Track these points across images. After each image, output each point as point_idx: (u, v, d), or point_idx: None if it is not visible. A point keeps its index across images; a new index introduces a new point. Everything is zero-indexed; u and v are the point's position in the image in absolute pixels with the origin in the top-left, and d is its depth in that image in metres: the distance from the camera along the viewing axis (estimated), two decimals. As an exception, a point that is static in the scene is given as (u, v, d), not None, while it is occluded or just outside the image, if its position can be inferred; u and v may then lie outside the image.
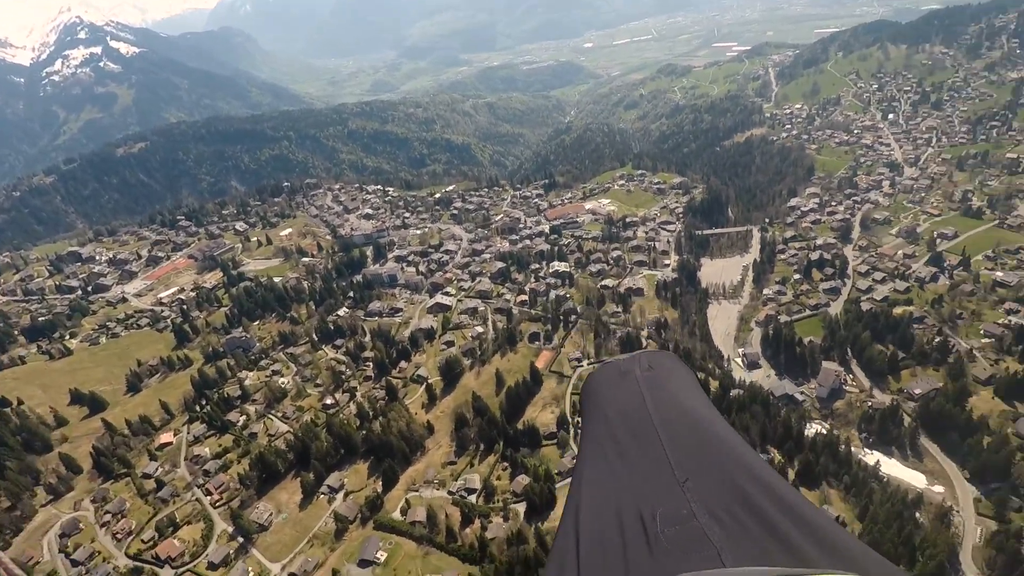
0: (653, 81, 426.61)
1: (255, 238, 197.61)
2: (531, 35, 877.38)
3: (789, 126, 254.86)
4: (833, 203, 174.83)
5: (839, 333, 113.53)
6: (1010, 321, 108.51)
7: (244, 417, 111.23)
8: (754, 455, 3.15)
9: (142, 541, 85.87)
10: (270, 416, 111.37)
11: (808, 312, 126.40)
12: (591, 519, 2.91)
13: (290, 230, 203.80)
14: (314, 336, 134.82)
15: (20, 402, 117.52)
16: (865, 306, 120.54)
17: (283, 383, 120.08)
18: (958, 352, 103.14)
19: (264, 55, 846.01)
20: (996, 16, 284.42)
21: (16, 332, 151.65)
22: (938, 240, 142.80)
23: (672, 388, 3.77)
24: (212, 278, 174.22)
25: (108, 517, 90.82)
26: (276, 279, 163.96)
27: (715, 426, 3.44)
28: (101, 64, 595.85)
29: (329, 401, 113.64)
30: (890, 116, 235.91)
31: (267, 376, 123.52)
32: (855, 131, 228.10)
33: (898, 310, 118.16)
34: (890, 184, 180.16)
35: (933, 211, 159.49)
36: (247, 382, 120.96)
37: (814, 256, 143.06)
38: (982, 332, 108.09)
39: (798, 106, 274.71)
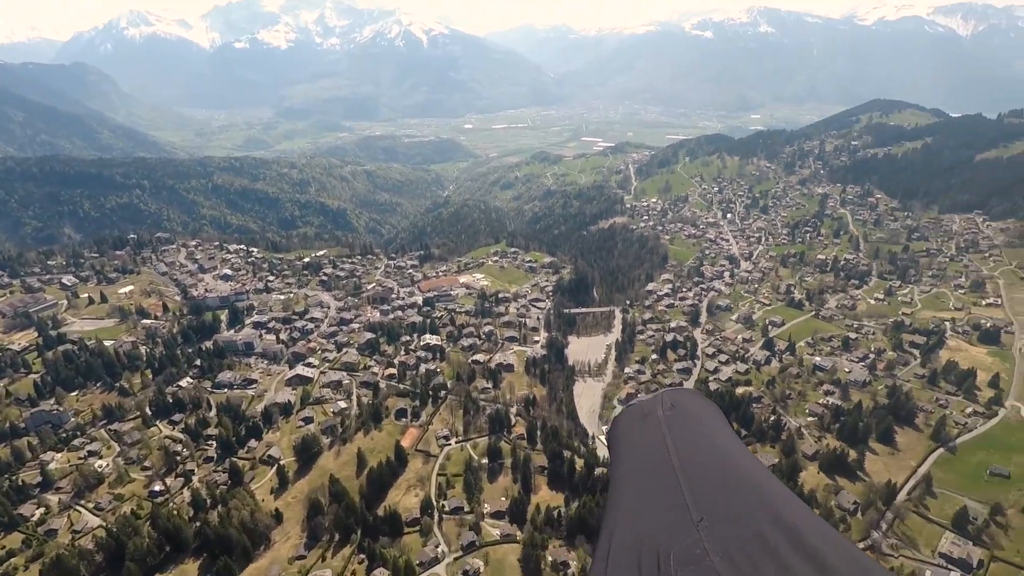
0: (528, 165, 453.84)
1: (86, 294, 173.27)
2: (414, 110, 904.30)
3: (647, 217, 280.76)
4: (684, 289, 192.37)
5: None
6: (828, 401, 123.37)
7: (42, 510, 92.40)
8: (781, 493, 3.10)
9: None
10: (78, 507, 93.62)
11: (663, 390, 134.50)
12: (615, 562, 2.94)
13: (131, 288, 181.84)
14: (147, 410, 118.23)
15: None
16: (713, 386, 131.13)
17: (100, 466, 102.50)
18: (789, 430, 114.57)
19: (123, 97, 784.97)
20: (804, 141, 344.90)
21: None
22: (769, 327, 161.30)
23: (694, 427, 3.82)
24: (23, 338, 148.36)
25: None
26: (108, 342, 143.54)
27: (740, 464, 3.40)
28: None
29: (158, 487, 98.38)
30: (728, 215, 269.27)
31: (80, 458, 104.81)
32: (701, 226, 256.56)
33: (740, 390, 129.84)
34: (730, 275, 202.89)
35: (765, 301, 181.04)
36: (52, 466, 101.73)
37: (669, 338, 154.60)
38: (807, 411, 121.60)
39: (654, 200, 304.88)
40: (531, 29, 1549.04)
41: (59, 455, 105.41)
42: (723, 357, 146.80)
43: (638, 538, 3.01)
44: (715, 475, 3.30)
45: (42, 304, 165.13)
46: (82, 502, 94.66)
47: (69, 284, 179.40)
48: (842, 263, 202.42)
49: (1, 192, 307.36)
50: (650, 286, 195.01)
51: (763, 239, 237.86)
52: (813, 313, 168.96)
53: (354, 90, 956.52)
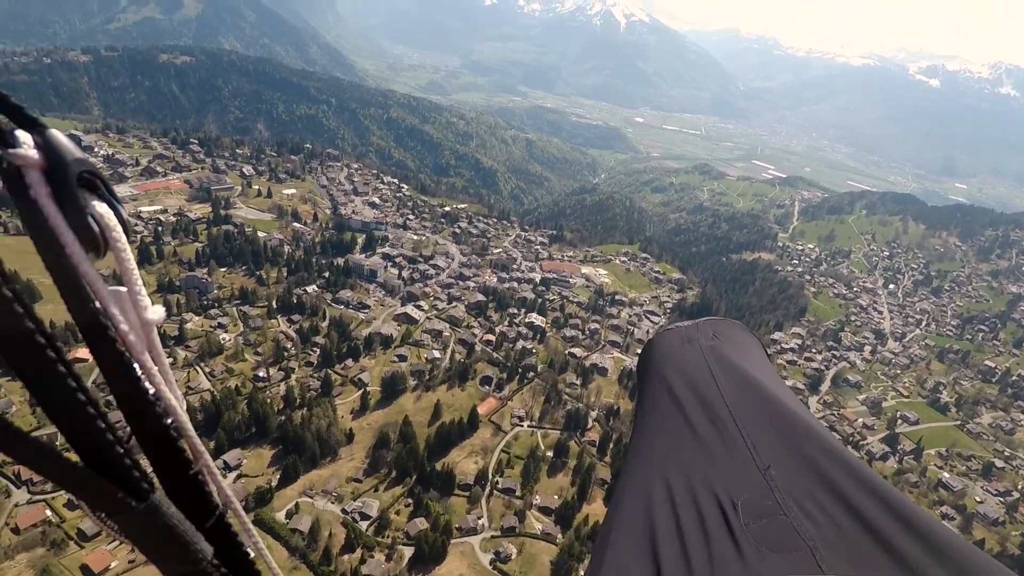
0: (687, 174, 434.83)
1: (257, 187, 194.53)
2: (590, 91, 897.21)
3: (797, 261, 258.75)
4: (813, 350, 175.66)
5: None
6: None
7: (171, 360, 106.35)
8: (838, 443, 2.69)
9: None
10: (198, 368, 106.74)
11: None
12: (662, 501, 2.50)
13: (294, 191, 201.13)
14: (274, 303, 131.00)
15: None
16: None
17: (224, 339, 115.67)
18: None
19: (337, 19, 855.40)
20: (1014, 229, 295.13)
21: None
22: (899, 421, 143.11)
23: (740, 361, 3.33)
24: (200, 210, 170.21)
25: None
26: (261, 233, 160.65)
27: (792, 407, 2.95)
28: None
29: (262, 374, 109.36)
30: (891, 286, 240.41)
31: (211, 326, 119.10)
32: (855, 288, 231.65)
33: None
34: (871, 351, 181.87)
35: (903, 391, 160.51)
36: (189, 325, 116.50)
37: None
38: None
39: (811, 246, 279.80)
40: (735, 35, 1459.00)
41: (196, 318, 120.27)
42: (835, 436, 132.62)
43: (689, 480, 2.56)
44: (771, 416, 2.83)
45: (222, 185, 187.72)
46: (202, 364, 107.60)
47: (247, 174, 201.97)
48: (1014, 378, 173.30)
49: (220, 80, 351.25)
50: (776, 335, 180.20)
51: (924, 323, 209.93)
52: (958, 423, 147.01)
53: (539, 58, 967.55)
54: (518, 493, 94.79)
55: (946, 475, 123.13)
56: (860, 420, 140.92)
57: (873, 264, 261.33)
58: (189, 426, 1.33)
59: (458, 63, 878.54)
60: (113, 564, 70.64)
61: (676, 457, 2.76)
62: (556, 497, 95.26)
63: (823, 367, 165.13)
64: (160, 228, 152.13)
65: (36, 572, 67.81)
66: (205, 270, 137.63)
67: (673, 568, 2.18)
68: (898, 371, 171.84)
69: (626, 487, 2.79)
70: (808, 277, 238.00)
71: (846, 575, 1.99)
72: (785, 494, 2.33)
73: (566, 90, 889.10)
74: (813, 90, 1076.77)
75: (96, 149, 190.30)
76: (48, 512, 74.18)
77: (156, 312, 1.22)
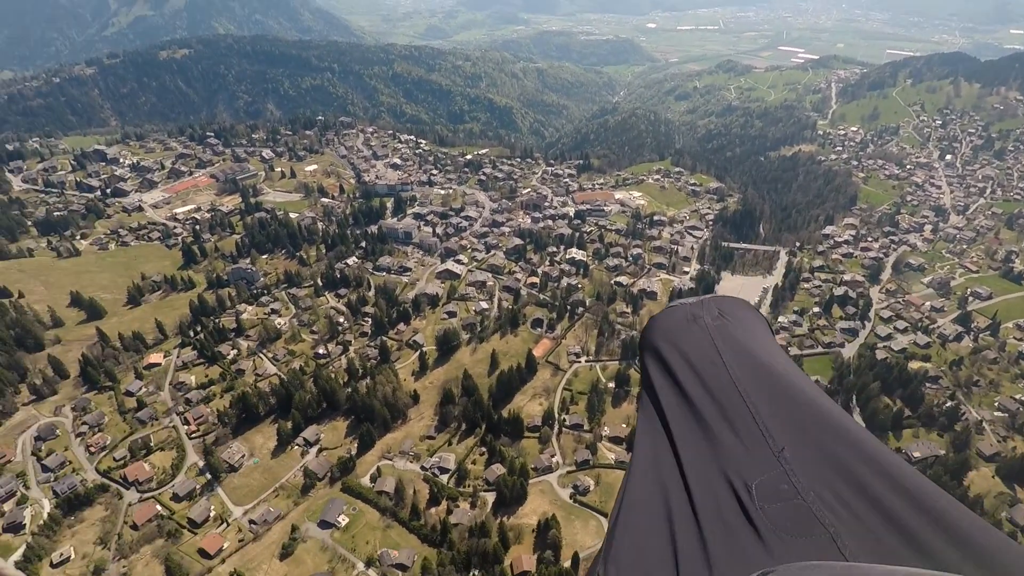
0: (710, 75, 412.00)
1: (279, 169, 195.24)
2: (595, 4, 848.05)
3: (840, 148, 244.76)
4: (869, 239, 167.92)
5: (847, 378, 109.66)
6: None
7: (235, 351, 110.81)
8: (855, 425, 2.68)
9: (114, 459, 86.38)
10: (261, 355, 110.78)
11: (820, 349, 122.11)
12: (675, 483, 2.52)
13: (315, 167, 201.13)
14: (319, 281, 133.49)
15: (21, 295, 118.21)
16: (881, 354, 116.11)
17: (280, 323, 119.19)
18: (967, 421, 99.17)
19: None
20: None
21: (30, 223, 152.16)
22: (970, 298, 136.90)
23: (747, 341, 3.30)
24: (230, 202, 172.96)
25: (85, 428, 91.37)
26: (292, 215, 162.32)
27: (804, 387, 2.93)
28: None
29: (321, 351, 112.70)
30: (947, 157, 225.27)
31: (265, 314, 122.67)
32: (908, 166, 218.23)
33: (914, 364, 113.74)
34: (932, 229, 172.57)
35: (971, 266, 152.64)
36: (244, 316, 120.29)
37: (838, 291, 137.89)
38: (996, 404, 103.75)
39: (854, 128, 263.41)
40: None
41: (250, 308, 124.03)
42: (901, 324, 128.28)
43: (700, 461, 2.58)
44: (782, 399, 2.83)
45: (246, 173, 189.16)
46: (264, 351, 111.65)
47: (267, 158, 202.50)
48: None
49: (222, 67, 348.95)
50: (828, 229, 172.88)
51: (988, 191, 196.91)
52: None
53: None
54: (586, 427, 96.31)
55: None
56: (927, 304, 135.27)
57: (925, 136, 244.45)
58: None
59: (453, 1, 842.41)
60: (225, 545, 76.21)
61: (686, 438, 2.74)
62: (624, 425, 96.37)
63: (882, 255, 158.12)
64: (198, 227, 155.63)
65: (160, 560, 73.92)
66: (248, 260, 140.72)
67: (689, 548, 2.19)
68: (964, 246, 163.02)
69: (637, 468, 2.75)
70: (855, 163, 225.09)
71: (869, 563, 1.93)
72: (801, 478, 2.32)
73: (570, 8, 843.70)
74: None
75: (122, 160, 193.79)
76: (158, 507, 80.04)
77: None
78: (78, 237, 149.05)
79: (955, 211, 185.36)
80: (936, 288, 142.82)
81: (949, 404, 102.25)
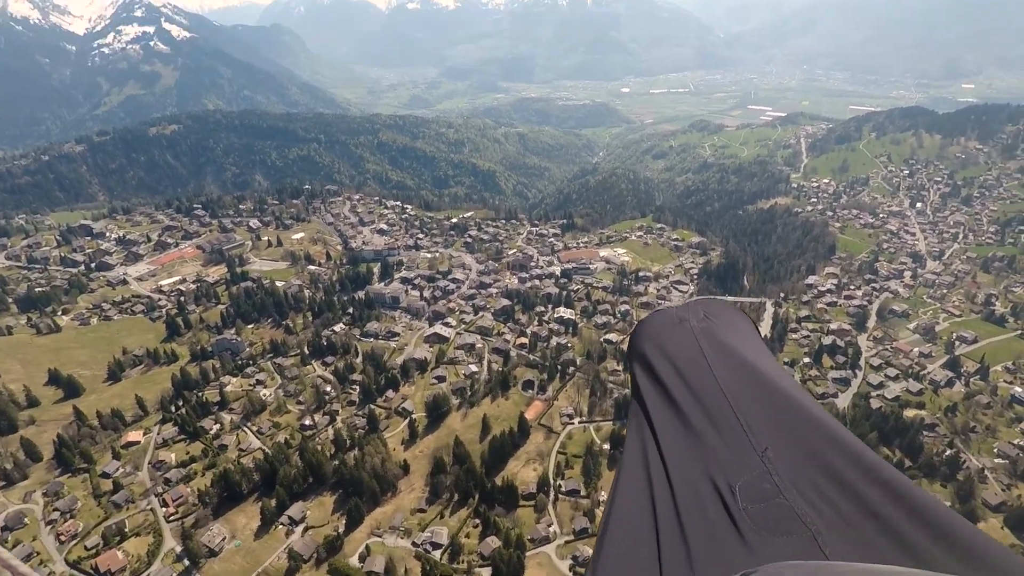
0: (684, 135, 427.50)
1: (266, 237, 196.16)
2: (570, 72, 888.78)
3: (815, 200, 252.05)
4: (851, 287, 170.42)
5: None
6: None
7: (218, 426, 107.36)
8: (838, 425, 2.65)
9: (85, 547, 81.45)
10: (245, 429, 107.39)
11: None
12: (660, 486, 2.50)
13: (302, 234, 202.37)
14: (305, 349, 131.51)
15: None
16: (875, 403, 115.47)
17: (265, 395, 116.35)
18: (968, 470, 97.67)
19: (309, 56, 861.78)
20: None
21: (10, 300, 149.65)
22: (956, 343, 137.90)
23: (733, 342, 3.32)
24: (216, 272, 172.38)
25: (56, 515, 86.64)
26: (279, 283, 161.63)
27: (788, 388, 2.92)
28: (151, 43, 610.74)
29: (308, 422, 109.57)
30: (918, 205, 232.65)
31: (250, 385, 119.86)
32: (881, 215, 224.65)
33: (909, 412, 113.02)
34: (912, 275, 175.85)
35: (954, 310, 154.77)
36: (228, 388, 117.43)
37: (826, 341, 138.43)
38: (996, 451, 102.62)
39: (826, 180, 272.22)
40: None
41: (234, 379, 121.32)
42: (892, 371, 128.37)
43: (685, 464, 2.58)
44: (766, 399, 2.83)
45: (233, 243, 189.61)
46: (248, 424, 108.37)
47: (254, 227, 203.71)
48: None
49: (210, 141, 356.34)
50: (810, 279, 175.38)
51: (960, 236, 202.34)
52: (1019, 332, 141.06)
53: (513, 50, 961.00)
54: (583, 493, 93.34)
55: (1018, 389, 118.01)
56: (915, 350, 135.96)
57: (895, 186, 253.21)
58: None
59: (435, 73, 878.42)
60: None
61: (671, 442, 2.72)
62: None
63: (865, 302, 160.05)
64: (183, 298, 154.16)
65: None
66: (233, 330, 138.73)
67: (673, 552, 2.17)
68: (944, 291, 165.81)
69: (624, 475, 2.74)
70: (830, 213, 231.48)
71: (849, 560, 1.94)
72: (784, 477, 2.32)
73: (546, 76, 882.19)
74: (794, 23, 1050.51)
75: (108, 234, 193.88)
76: None
77: None
78: (59, 313, 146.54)
79: (931, 257, 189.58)
80: (922, 334, 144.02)
81: (949, 452, 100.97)
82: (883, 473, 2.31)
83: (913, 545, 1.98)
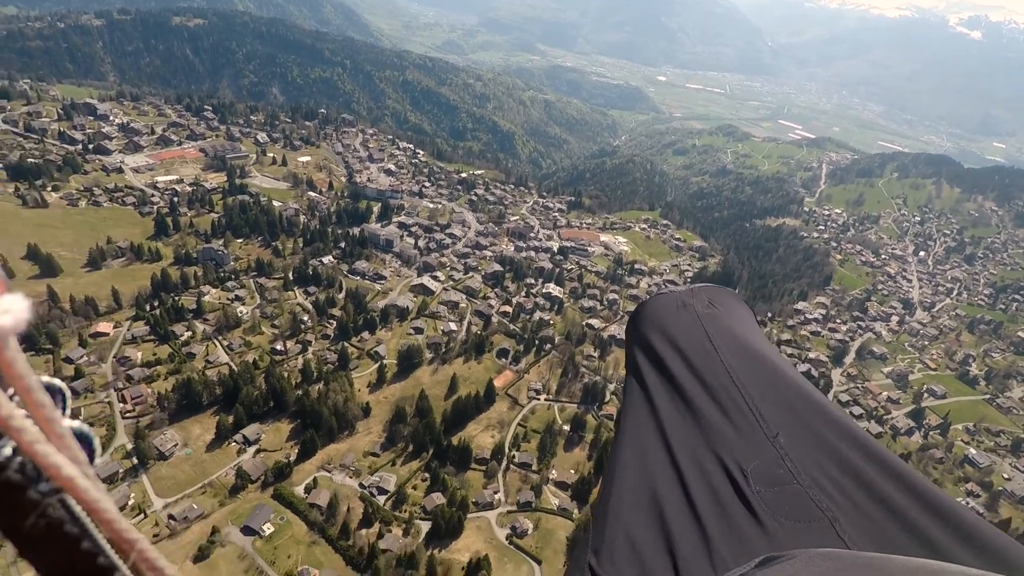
0: (710, 136, 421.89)
1: (271, 155, 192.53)
2: (611, 48, 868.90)
3: (823, 227, 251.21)
4: (838, 320, 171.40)
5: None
6: (967, 503, 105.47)
7: (189, 333, 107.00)
8: (844, 414, 2.68)
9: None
10: (215, 341, 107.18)
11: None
12: (666, 469, 2.43)
13: (309, 158, 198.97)
14: (290, 275, 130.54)
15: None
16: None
17: (241, 312, 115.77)
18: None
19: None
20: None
21: (1, 166, 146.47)
22: (925, 395, 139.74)
23: (738, 329, 3.31)
24: (215, 179, 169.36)
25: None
26: (276, 203, 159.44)
27: (793, 376, 2.94)
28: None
29: (279, 347, 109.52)
30: (921, 253, 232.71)
31: (228, 299, 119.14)
32: (883, 256, 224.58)
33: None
34: (899, 321, 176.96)
35: (931, 363, 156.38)
36: (206, 298, 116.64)
37: (801, 368, 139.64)
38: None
39: (838, 211, 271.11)
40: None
41: (214, 291, 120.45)
42: (858, 410, 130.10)
43: (692, 447, 2.52)
44: (775, 386, 2.82)
45: (237, 153, 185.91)
46: (219, 338, 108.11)
47: (262, 141, 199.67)
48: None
49: (233, 43, 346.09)
50: (800, 305, 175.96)
51: (955, 292, 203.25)
52: (987, 397, 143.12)
53: (558, 15, 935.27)
54: (535, 468, 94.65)
55: (972, 451, 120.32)
56: (885, 394, 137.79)
57: (903, 230, 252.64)
58: (97, 494, 0.91)
59: (475, 21, 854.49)
60: (137, 537, 72.07)
61: (676, 424, 2.67)
62: (573, 472, 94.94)
63: (848, 338, 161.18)
64: (176, 199, 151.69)
65: None
66: (221, 241, 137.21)
67: (687, 537, 2.12)
68: (926, 343, 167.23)
69: (623, 454, 2.66)
70: (834, 244, 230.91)
71: (868, 549, 1.89)
72: (796, 463, 2.29)
73: (586, 48, 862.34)
74: (844, 44, 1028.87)
75: (111, 117, 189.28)
76: (73, 485, 75.58)
77: (11, 311, 0.85)
78: (48, 188, 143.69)
79: (922, 307, 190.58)
80: (895, 380, 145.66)
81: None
82: (894, 464, 2.31)
83: (928, 536, 1.95)
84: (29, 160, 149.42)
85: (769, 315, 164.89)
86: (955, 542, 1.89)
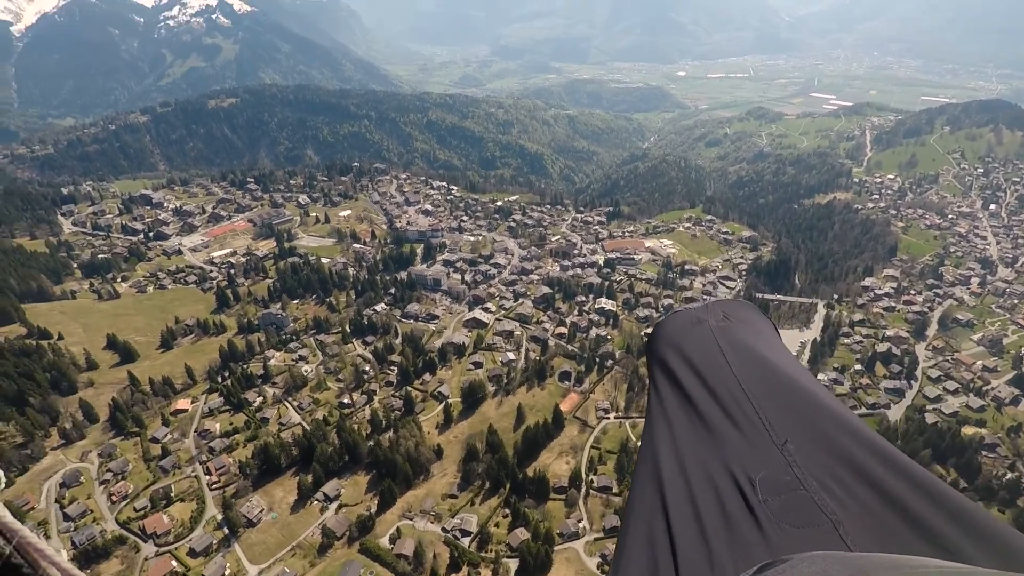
0: (740, 122, 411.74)
1: (314, 214, 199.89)
2: (625, 53, 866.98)
3: (877, 196, 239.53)
4: (912, 291, 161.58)
5: (895, 443, 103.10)
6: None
7: (261, 399, 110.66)
8: (857, 418, 2.71)
9: (134, 509, 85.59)
10: (286, 403, 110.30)
11: (864, 410, 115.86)
12: (678, 484, 2.53)
13: (349, 212, 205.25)
14: (347, 328, 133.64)
15: (60, 337, 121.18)
16: (930, 418, 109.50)
17: (306, 371, 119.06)
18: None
19: (364, 32, 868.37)
20: None
21: (75, 265, 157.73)
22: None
23: (752, 341, 3.40)
24: (265, 246, 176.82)
25: (109, 475, 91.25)
26: (324, 260, 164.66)
27: (807, 384, 2.99)
28: (214, 16, 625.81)
29: (346, 400, 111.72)
30: (992, 206, 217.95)
31: (293, 360, 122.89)
32: (949, 216, 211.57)
33: (967, 430, 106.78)
34: (980, 283, 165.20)
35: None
36: (272, 362, 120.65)
37: (881, 348, 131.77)
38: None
39: (891, 176, 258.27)
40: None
41: (278, 354, 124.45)
42: (951, 384, 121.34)
43: (704, 460, 2.59)
44: (784, 393, 2.89)
45: (282, 218, 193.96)
46: (289, 399, 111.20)
47: (303, 203, 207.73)
48: None
49: (265, 115, 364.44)
50: (867, 281, 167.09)
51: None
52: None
53: (567, 30, 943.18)
54: (615, 490, 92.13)
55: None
56: (979, 363, 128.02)
57: (967, 185, 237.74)
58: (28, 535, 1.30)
59: (487, 51, 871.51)
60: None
61: (689, 439, 2.76)
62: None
63: (926, 309, 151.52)
64: (232, 271, 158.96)
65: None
66: (279, 305, 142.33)
67: (690, 548, 2.17)
68: (1015, 301, 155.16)
69: (641, 472, 2.80)
70: (893, 212, 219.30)
71: (873, 551, 1.89)
72: (804, 469, 2.31)
73: (600, 57, 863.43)
74: (865, 6, 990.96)
75: (166, 204, 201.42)
76: (174, 562, 78.54)
77: None
78: (119, 279, 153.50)
79: (1003, 263, 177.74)
80: (987, 346, 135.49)
81: (1010, 476, 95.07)
82: (905, 464, 2.31)
83: (939, 535, 1.95)
84: (99, 256, 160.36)
85: (835, 296, 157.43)
86: (969, 542, 1.89)
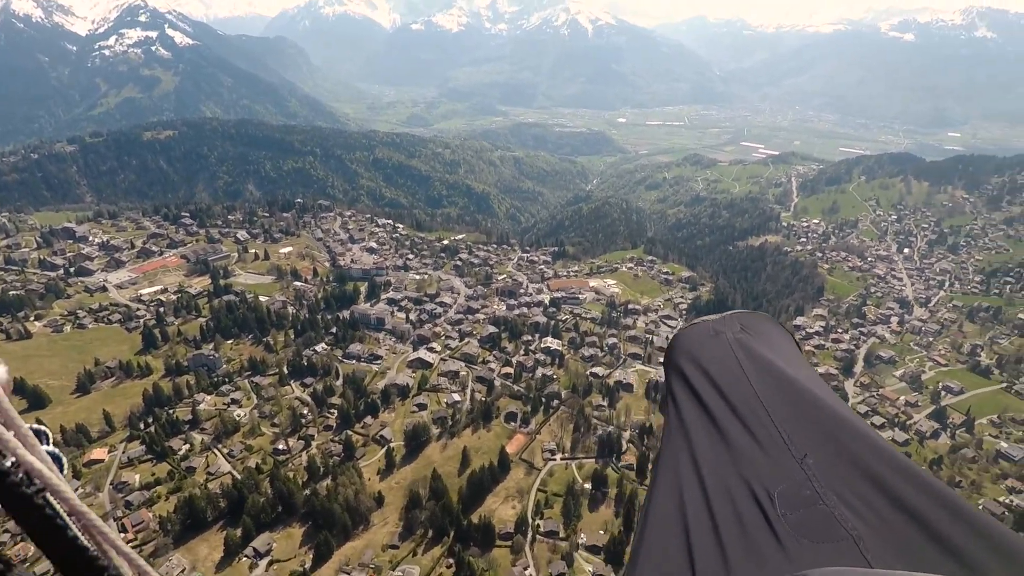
0: (678, 167, 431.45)
1: (253, 250, 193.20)
2: (569, 100, 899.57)
3: (804, 240, 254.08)
4: (839, 330, 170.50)
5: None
6: (1011, 501, 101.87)
7: (187, 446, 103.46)
8: (877, 434, 2.68)
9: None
10: (215, 450, 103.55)
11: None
12: (696, 494, 2.51)
13: (290, 249, 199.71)
14: (285, 369, 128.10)
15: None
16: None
17: (239, 415, 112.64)
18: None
19: (311, 69, 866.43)
20: (1019, 172, 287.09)
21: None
22: (943, 393, 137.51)
23: (769, 353, 3.34)
24: (199, 283, 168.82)
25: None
26: (263, 298, 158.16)
27: (827, 398, 2.94)
28: (153, 48, 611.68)
29: (281, 446, 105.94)
30: (905, 251, 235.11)
31: (225, 404, 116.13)
32: (869, 258, 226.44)
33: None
34: (899, 322, 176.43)
35: (940, 359, 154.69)
36: (201, 406, 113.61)
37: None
38: (981, 508, 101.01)
39: (816, 221, 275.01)
40: (703, 22, 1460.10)
41: (208, 397, 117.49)
42: (878, 419, 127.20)
43: (723, 473, 2.57)
44: (804, 408, 2.84)
45: (219, 255, 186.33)
46: (219, 446, 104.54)
47: (242, 239, 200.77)
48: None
49: (205, 148, 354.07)
50: (798, 320, 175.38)
51: (947, 284, 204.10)
52: (1004, 386, 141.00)
53: (514, 76, 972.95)
54: (562, 534, 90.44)
55: (1003, 444, 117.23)
56: (902, 398, 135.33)
57: (883, 230, 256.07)
58: (70, 493, 1.52)
59: (435, 93, 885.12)
60: None
61: (707, 452, 2.73)
62: (602, 532, 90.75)
63: (853, 346, 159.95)
64: (162, 309, 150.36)
65: None
66: (211, 345, 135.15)
67: (709, 562, 2.14)
68: (931, 339, 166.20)
69: (658, 485, 2.77)
70: (820, 254, 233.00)
71: (893, 568, 1.87)
72: (823, 483, 2.28)
73: (545, 103, 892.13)
74: (790, 63, 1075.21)
75: (91, 238, 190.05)
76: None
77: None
78: (31, 318, 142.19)
79: (918, 303, 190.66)
80: (909, 382, 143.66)
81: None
82: (926, 480, 2.29)
83: (962, 551, 1.92)
84: (11, 293, 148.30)
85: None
86: (993, 558, 1.87)
